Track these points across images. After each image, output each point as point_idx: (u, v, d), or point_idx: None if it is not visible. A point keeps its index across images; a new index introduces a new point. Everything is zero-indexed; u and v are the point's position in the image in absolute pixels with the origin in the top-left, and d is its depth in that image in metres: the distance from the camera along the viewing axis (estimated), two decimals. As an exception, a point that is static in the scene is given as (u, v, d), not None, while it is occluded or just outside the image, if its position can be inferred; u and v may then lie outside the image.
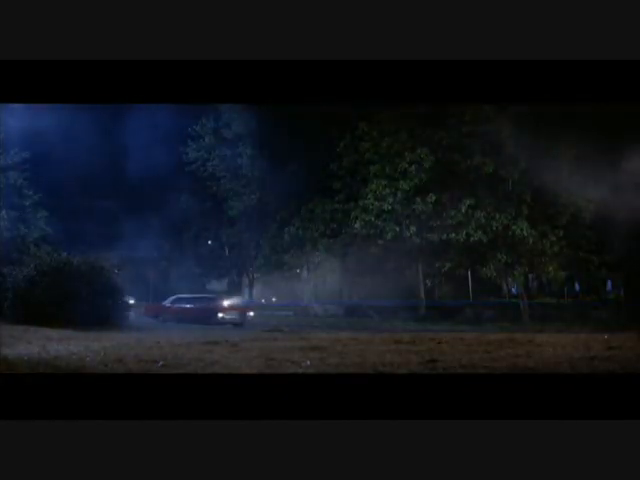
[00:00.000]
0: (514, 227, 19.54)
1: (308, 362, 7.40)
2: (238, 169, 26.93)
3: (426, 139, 20.78)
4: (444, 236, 20.28)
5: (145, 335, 12.08)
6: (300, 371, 6.88)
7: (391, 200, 20.76)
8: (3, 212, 18.08)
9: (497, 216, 19.75)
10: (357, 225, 21.30)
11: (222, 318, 18.97)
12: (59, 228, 21.00)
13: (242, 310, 19.98)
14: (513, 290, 24.24)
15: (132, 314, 21.86)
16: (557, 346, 9.12)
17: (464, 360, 7.59)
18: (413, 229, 20.82)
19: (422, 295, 22.56)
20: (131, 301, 24.10)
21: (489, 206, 20.10)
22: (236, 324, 18.61)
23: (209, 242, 30.42)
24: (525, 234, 19.44)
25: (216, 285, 32.69)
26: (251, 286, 30.70)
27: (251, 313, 20.21)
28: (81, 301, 14.75)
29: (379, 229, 21.31)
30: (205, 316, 18.81)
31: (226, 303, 20.77)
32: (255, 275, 30.19)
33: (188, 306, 20.12)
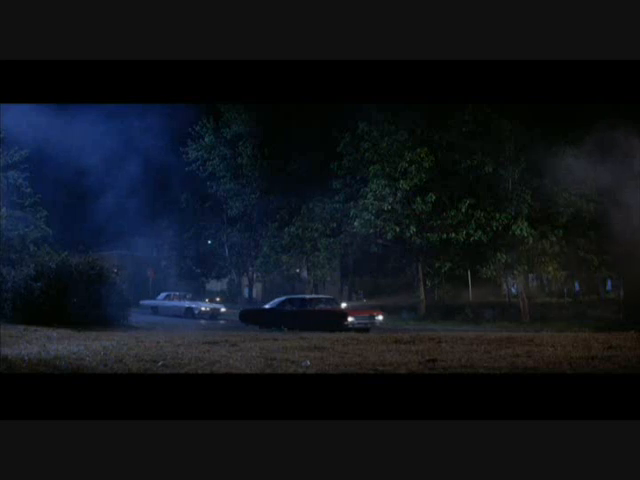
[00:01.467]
0: (514, 227, 19.56)
1: (308, 362, 7.41)
2: (238, 169, 26.95)
3: (426, 139, 20.81)
4: (444, 236, 20.30)
5: (145, 335, 12.08)
6: (300, 371, 6.88)
7: (391, 200, 20.78)
8: (3, 209, 18.07)
9: (497, 216, 19.78)
10: (357, 225, 21.31)
11: (352, 323, 15.63)
12: (59, 228, 20.99)
13: (371, 313, 16.89)
14: (513, 290, 24.25)
15: (222, 322, 20.86)
16: (557, 346, 9.12)
17: (464, 360, 7.60)
18: (413, 229, 20.84)
19: (422, 295, 22.59)
20: (222, 309, 23.19)
21: (489, 206, 20.13)
22: (364, 330, 15.36)
23: (209, 242, 30.44)
24: (525, 234, 19.46)
25: (216, 285, 32.72)
26: (251, 286, 30.74)
27: (380, 317, 16.69)
28: (81, 301, 14.77)
29: (379, 229, 21.33)
30: (331, 320, 15.72)
31: (344, 305, 18.20)
32: (255, 275, 30.23)
33: (308, 309, 16.87)
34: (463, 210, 20.01)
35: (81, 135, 16.49)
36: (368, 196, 21.04)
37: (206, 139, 26.90)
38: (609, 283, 27.14)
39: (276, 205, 25.88)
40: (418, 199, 20.58)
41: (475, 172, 20.26)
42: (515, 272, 20.85)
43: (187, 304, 23.32)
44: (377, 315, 16.59)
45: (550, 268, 20.56)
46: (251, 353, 8.40)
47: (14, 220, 18.90)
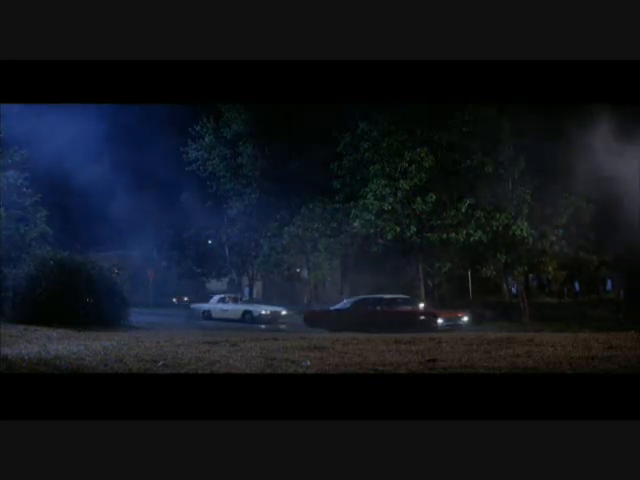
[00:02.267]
0: (514, 227, 19.56)
1: (308, 362, 7.41)
2: (238, 169, 26.95)
3: (426, 139, 20.80)
4: (444, 236, 20.29)
5: (145, 335, 12.08)
6: (300, 371, 6.88)
7: (391, 200, 20.76)
8: (3, 209, 18.07)
9: (497, 216, 19.77)
10: (357, 224, 21.30)
11: (441, 325, 14.76)
12: (59, 227, 20.98)
13: (457, 314, 16.27)
14: (513, 290, 24.25)
15: (284, 326, 19.15)
16: (557, 346, 9.13)
17: (464, 360, 7.60)
18: (413, 229, 20.83)
19: (422, 295, 22.58)
20: (283, 312, 21.31)
21: (489, 206, 20.12)
22: (448, 331, 14.46)
23: (209, 242, 30.44)
24: (525, 234, 19.45)
25: (216, 285, 32.74)
26: (251, 286, 30.76)
27: (465, 318, 16.01)
28: (81, 300, 14.77)
29: (379, 229, 21.32)
30: (421, 322, 14.82)
31: (421, 305, 17.24)
32: (255, 275, 30.24)
33: (392, 310, 15.84)
34: (463, 210, 20.00)
35: (81, 135, 16.51)
36: (368, 196, 21.02)
37: (206, 139, 26.87)
38: (609, 283, 27.18)
39: (276, 205, 25.84)
40: (418, 199, 20.56)
41: (475, 172, 20.25)
42: (515, 272, 20.84)
43: (244, 307, 21.76)
44: (462, 317, 16.01)
45: (550, 268, 20.58)
46: (251, 353, 8.40)
47: (14, 219, 18.90)
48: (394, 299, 16.78)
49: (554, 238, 19.78)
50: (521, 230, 19.45)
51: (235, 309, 21.69)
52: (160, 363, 7.29)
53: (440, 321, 14.79)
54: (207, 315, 21.83)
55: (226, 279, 32.48)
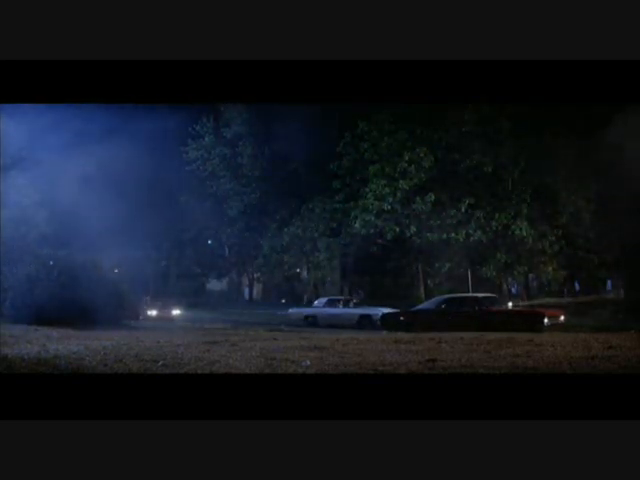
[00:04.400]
0: (514, 227, 19.58)
1: (308, 362, 7.41)
2: (238, 169, 26.94)
3: (425, 138, 20.82)
4: (444, 236, 20.31)
5: (145, 335, 12.08)
6: (300, 371, 6.88)
7: (391, 200, 20.78)
8: (3, 209, 18.06)
9: (497, 216, 19.79)
10: (357, 225, 21.31)
11: (546, 325, 13.96)
12: (59, 227, 20.95)
13: (555, 313, 15.33)
14: (513, 290, 24.27)
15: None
16: (557, 346, 9.12)
17: (464, 360, 7.60)
18: (413, 229, 20.84)
19: (423, 295, 22.59)
20: (394, 310, 17.83)
21: (489, 206, 20.14)
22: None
23: (209, 242, 30.41)
24: (525, 234, 19.48)
25: (216, 285, 32.73)
26: (251, 286, 30.77)
27: (562, 317, 15.12)
28: (81, 300, 14.76)
29: (379, 229, 21.34)
30: (529, 322, 13.83)
31: (509, 305, 16.64)
32: (255, 275, 30.24)
33: (491, 310, 14.96)
34: (463, 210, 20.03)
35: (80, 134, 16.50)
36: (368, 196, 21.04)
37: (206, 139, 26.85)
38: (609, 283, 27.17)
39: (276, 205, 25.84)
40: (418, 199, 20.59)
41: (475, 172, 20.29)
42: (515, 272, 20.86)
43: (361, 311, 19.15)
44: (560, 315, 15.33)
45: (550, 268, 20.58)
46: (251, 353, 8.40)
47: (14, 220, 18.88)
48: (488, 298, 15.95)
49: (554, 238, 19.81)
50: (521, 230, 19.47)
51: (349, 313, 19.07)
52: (160, 363, 7.29)
53: (546, 321, 14.04)
54: (312, 321, 19.28)
55: (226, 279, 32.46)
